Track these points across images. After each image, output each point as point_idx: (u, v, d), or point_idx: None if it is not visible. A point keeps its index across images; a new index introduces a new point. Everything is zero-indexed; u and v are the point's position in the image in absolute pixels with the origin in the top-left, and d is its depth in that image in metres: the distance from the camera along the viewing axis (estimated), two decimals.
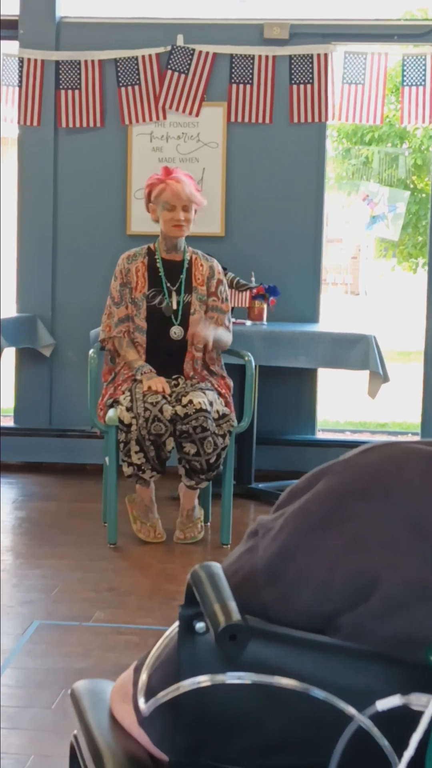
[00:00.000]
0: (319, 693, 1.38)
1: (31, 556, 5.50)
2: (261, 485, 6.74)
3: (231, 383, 5.84)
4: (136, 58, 7.09)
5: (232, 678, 1.40)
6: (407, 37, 7.16)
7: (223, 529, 5.66)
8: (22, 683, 3.93)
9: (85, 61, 7.12)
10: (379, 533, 1.47)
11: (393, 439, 8.32)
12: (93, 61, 7.12)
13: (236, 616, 1.36)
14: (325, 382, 7.82)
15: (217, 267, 5.86)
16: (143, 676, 1.54)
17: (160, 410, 5.35)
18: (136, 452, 5.38)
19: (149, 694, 1.49)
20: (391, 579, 1.45)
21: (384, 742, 1.36)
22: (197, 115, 7.11)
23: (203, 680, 1.41)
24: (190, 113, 7.10)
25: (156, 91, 7.10)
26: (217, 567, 1.46)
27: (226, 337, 5.79)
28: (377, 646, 1.46)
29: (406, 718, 1.37)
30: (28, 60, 7.14)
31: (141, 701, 1.50)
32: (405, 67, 7.02)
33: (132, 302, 5.73)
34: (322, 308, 7.35)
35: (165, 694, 1.43)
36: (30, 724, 3.56)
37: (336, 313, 13.55)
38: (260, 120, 7.08)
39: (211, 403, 5.47)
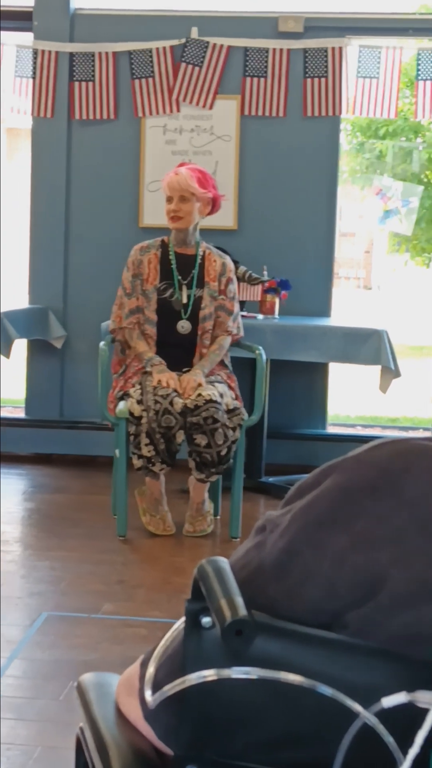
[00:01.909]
0: (326, 690, 1.38)
1: (40, 547, 5.50)
2: (271, 479, 6.74)
3: (235, 378, 5.84)
4: (150, 51, 7.08)
5: (239, 673, 1.40)
6: (422, 31, 7.13)
7: (232, 522, 5.66)
8: (30, 675, 3.93)
9: (99, 53, 7.11)
10: (386, 530, 1.46)
11: (404, 434, 8.31)
12: (107, 53, 7.11)
13: (243, 611, 1.35)
14: (336, 377, 7.82)
15: (230, 264, 5.86)
16: (151, 669, 1.54)
17: (171, 403, 5.35)
18: (146, 445, 5.38)
19: (156, 688, 1.49)
20: (398, 576, 1.44)
21: (389, 739, 1.36)
22: (211, 107, 7.09)
23: (209, 674, 1.41)
24: (204, 106, 7.09)
25: (170, 84, 7.09)
26: (224, 562, 1.46)
27: (220, 352, 5.75)
28: (383, 643, 1.45)
29: (412, 715, 1.37)
30: (42, 52, 7.13)
31: (148, 693, 1.50)
32: (420, 61, 7.00)
33: (143, 294, 5.72)
34: (335, 302, 7.34)
35: (171, 687, 1.43)
36: (37, 715, 3.57)
37: (348, 308, 13.55)
38: (274, 113, 7.06)
39: (221, 395, 5.47)
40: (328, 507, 1.51)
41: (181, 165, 5.79)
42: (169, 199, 5.67)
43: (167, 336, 5.70)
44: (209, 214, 5.77)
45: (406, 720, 1.37)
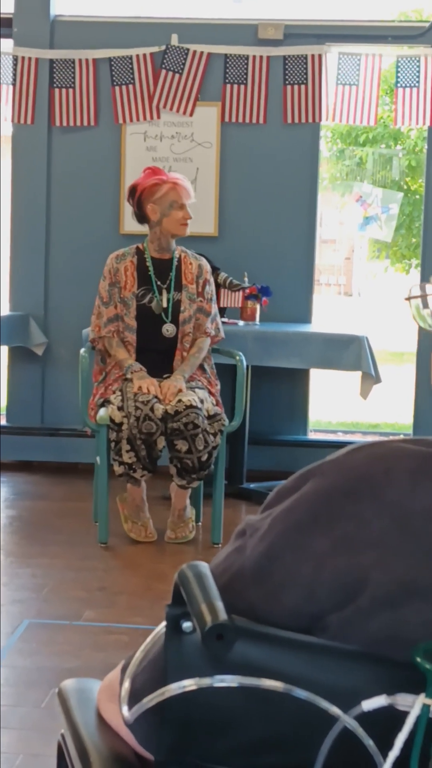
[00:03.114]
0: (301, 693, 1.38)
1: (21, 554, 5.50)
2: (252, 485, 6.74)
3: (218, 383, 5.85)
4: (131, 57, 7.08)
5: (218, 682, 1.40)
6: (401, 38, 7.17)
7: (214, 528, 5.66)
8: (12, 682, 3.93)
9: (80, 60, 7.12)
10: (367, 533, 1.47)
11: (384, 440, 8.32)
12: (87, 60, 7.11)
13: (223, 615, 1.35)
14: (317, 383, 7.82)
15: (206, 266, 5.87)
16: (126, 684, 1.53)
17: (151, 409, 5.35)
18: (127, 451, 5.38)
19: (133, 698, 1.49)
20: (379, 579, 1.45)
21: (369, 742, 1.36)
22: (191, 114, 7.10)
23: (189, 684, 1.41)
24: (184, 113, 7.09)
25: (150, 91, 7.09)
26: (204, 566, 1.46)
27: (199, 354, 5.76)
28: (364, 646, 1.45)
29: (392, 718, 1.38)
30: (23, 58, 7.13)
31: (124, 709, 1.50)
32: (399, 69, 7.02)
33: (121, 301, 5.73)
34: (315, 309, 7.35)
35: (150, 699, 1.43)
36: (19, 723, 3.56)
37: (329, 314, 13.57)
38: (254, 120, 7.08)
39: (201, 401, 5.48)
40: (307, 511, 1.51)
41: (158, 170, 5.78)
42: (181, 207, 5.68)
43: (147, 342, 5.71)
44: None
45: (386, 723, 1.38)
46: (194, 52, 7.05)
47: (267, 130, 7.11)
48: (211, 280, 5.89)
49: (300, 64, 7.00)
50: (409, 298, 1.82)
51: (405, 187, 15.86)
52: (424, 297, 1.81)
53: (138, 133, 7.16)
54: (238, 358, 5.83)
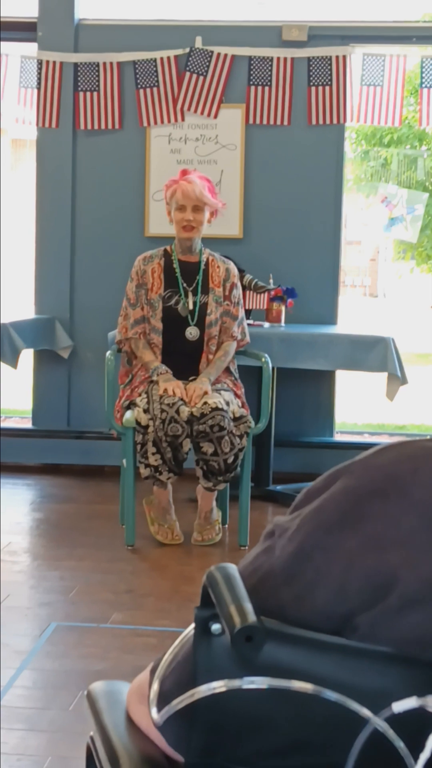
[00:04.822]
0: (331, 695, 1.38)
1: (49, 557, 5.50)
2: (279, 487, 6.73)
3: (242, 386, 5.84)
4: (155, 60, 7.08)
5: (248, 683, 1.40)
6: (426, 38, 7.14)
7: (241, 530, 5.65)
8: (40, 685, 3.93)
9: (104, 63, 7.12)
10: (395, 532, 1.46)
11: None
12: (111, 63, 7.12)
13: (252, 617, 1.35)
14: (343, 384, 7.81)
15: (233, 270, 5.86)
16: (155, 686, 1.53)
17: (177, 411, 5.35)
18: (153, 454, 5.38)
19: (163, 700, 1.49)
20: (409, 577, 1.44)
21: (400, 744, 1.36)
22: (216, 117, 7.10)
23: (218, 686, 1.40)
24: (209, 115, 7.09)
25: (174, 93, 7.09)
26: (232, 568, 1.46)
27: (225, 358, 5.75)
28: (394, 646, 1.45)
29: (423, 719, 1.37)
30: (47, 62, 7.14)
31: (153, 711, 1.50)
32: (424, 69, 7.00)
33: (148, 303, 5.72)
34: (341, 310, 7.34)
35: (180, 701, 1.43)
36: (48, 725, 3.56)
37: (354, 315, 13.54)
38: (279, 122, 7.07)
39: (227, 403, 5.47)
40: (336, 511, 1.51)
41: (184, 172, 5.77)
42: (182, 208, 5.65)
43: (174, 344, 5.70)
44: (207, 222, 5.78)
45: (416, 724, 1.37)
46: (218, 54, 7.05)
47: (291, 131, 7.10)
48: (239, 284, 5.88)
49: (324, 66, 6.99)
50: None
51: (430, 187, 15.80)
52: None
53: (162, 135, 7.16)
54: (263, 359, 5.82)
